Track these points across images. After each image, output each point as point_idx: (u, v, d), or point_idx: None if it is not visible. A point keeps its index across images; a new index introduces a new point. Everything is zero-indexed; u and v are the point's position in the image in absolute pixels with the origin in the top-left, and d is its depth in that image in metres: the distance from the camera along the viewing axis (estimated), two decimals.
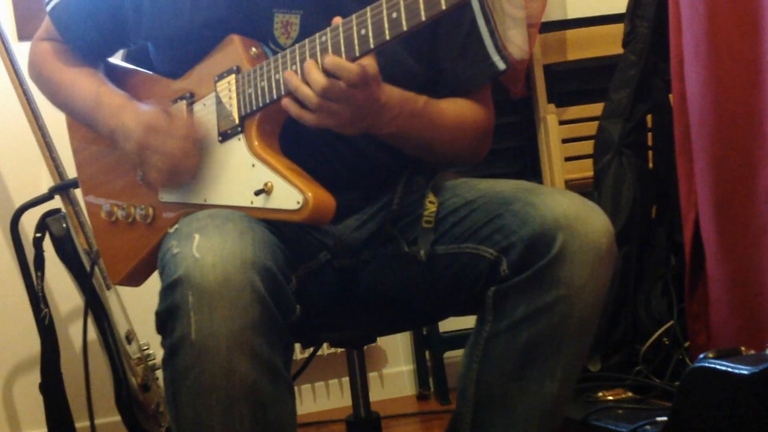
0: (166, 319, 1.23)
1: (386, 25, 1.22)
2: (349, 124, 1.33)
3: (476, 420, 1.36)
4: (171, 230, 1.37)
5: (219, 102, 1.43)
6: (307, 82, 1.29)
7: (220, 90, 1.44)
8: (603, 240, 1.29)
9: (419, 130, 1.43)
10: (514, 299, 1.31)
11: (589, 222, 1.29)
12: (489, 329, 1.34)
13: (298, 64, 1.32)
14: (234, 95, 1.41)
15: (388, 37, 1.23)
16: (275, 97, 1.36)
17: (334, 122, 1.32)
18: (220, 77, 1.44)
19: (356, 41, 1.26)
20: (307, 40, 1.32)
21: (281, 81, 1.34)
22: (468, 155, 1.55)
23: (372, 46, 1.25)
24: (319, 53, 1.30)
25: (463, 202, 1.41)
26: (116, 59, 1.69)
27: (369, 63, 1.27)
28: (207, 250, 1.22)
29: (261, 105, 1.38)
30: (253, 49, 1.44)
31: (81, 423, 2.47)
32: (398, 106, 1.37)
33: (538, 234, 1.28)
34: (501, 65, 1.53)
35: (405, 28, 1.21)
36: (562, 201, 1.31)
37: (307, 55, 1.31)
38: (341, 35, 1.27)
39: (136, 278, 1.58)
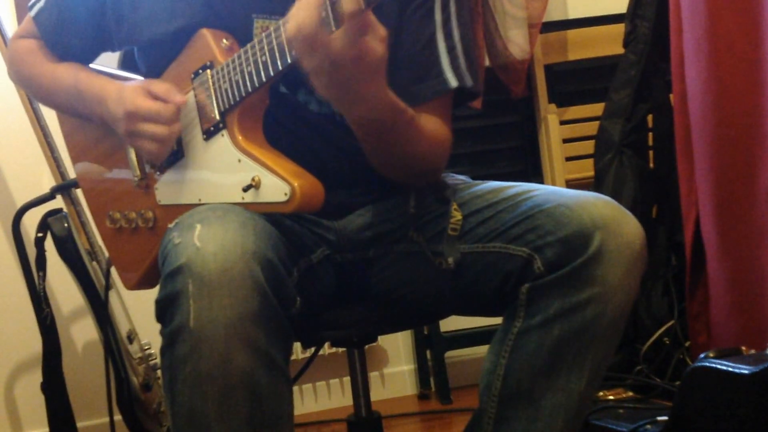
0: (166, 306, 1.23)
1: None
2: (326, 81, 1.24)
3: (500, 415, 1.36)
4: (171, 225, 1.38)
5: (198, 100, 1.43)
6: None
7: (197, 88, 1.43)
8: (637, 241, 1.32)
9: (399, 139, 1.39)
10: (549, 296, 1.32)
11: (624, 224, 1.32)
12: (520, 325, 1.34)
13: (274, 49, 1.29)
14: (212, 91, 1.41)
15: None
16: (250, 89, 1.35)
17: (311, 61, 1.22)
18: (196, 74, 1.43)
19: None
20: (281, 22, 1.26)
21: (254, 73, 1.33)
22: (432, 171, 1.51)
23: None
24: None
25: (486, 203, 1.42)
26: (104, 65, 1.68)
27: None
28: (208, 240, 1.22)
29: (238, 99, 1.37)
30: (224, 41, 1.42)
31: (82, 423, 2.47)
32: (386, 110, 1.32)
33: (575, 233, 1.30)
34: (453, 82, 1.48)
35: None
36: (597, 203, 1.33)
37: (283, 39, 1.27)
38: None
39: (149, 281, 1.58)
